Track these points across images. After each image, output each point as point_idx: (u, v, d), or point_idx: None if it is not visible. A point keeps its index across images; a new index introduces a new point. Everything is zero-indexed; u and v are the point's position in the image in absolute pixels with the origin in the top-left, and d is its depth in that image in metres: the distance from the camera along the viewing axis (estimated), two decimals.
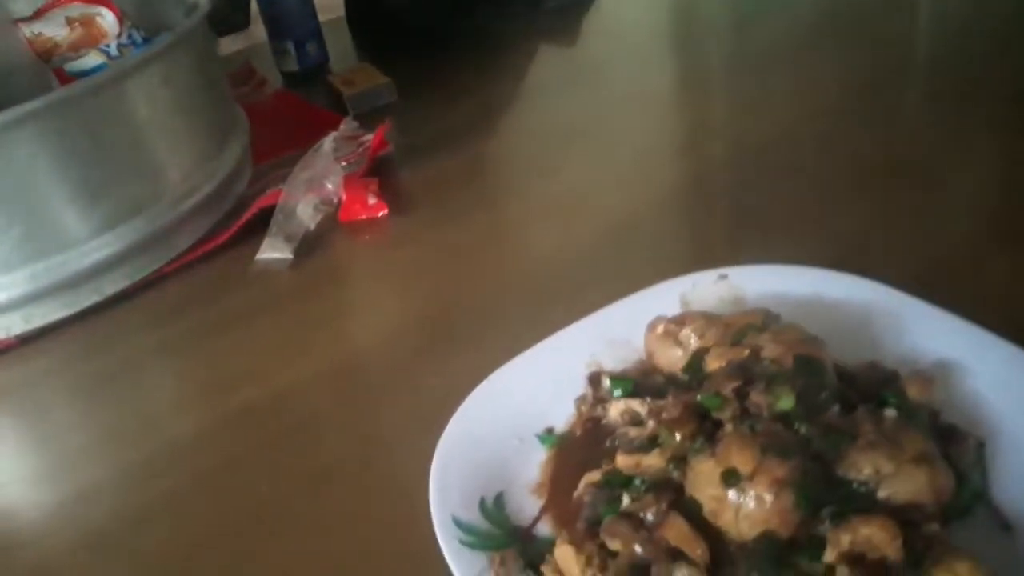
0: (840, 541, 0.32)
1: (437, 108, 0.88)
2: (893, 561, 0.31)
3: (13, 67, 0.76)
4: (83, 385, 0.58)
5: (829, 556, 0.32)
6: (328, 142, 0.73)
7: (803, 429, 0.34)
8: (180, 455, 0.49)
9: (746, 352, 0.37)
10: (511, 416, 0.44)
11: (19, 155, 0.56)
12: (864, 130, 0.71)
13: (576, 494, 0.38)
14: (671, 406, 0.36)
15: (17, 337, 0.61)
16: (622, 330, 0.47)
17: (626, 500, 0.36)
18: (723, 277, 0.50)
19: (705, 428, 0.35)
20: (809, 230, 0.59)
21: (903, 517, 0.33)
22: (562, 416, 0.44)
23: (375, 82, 0.89)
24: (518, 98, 0.90)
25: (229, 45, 1.07)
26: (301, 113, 0.90)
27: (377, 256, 0.66)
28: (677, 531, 0.33)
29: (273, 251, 0.66)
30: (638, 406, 0.40)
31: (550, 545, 0.36)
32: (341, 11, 1.15)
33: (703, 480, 0.34)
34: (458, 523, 0.38)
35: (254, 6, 0.99)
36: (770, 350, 0.37)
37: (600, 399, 0.43)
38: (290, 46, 0.96)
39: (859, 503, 0.33)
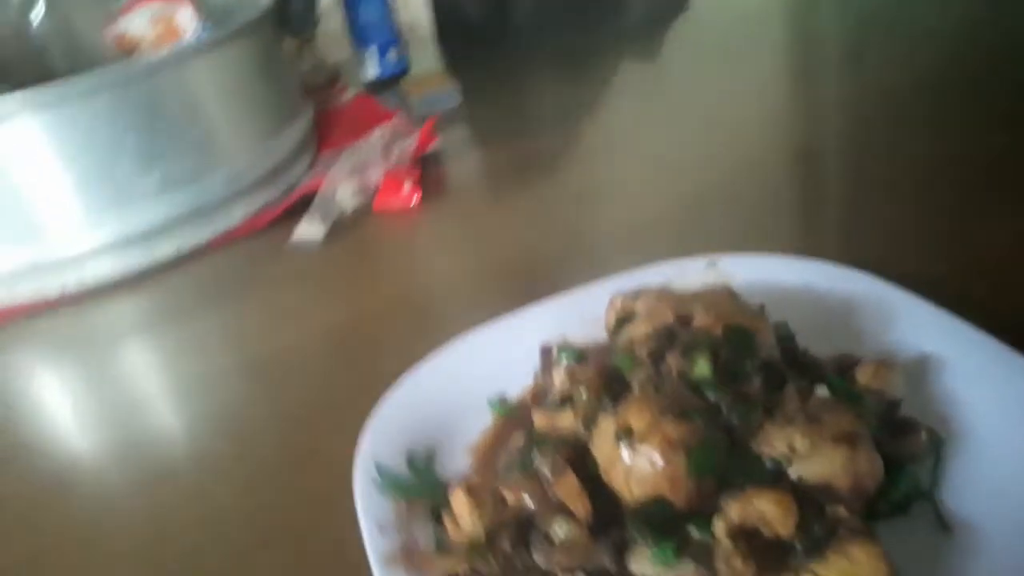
0: (730, 513, 0.30)
1: (500, 112, 0.89)
2: (786, 540, 0.29)
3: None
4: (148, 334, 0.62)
5: (718, 528, 0.30)
6: (377, 133, 0.77)
7: (714, 397, 0.32)
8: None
9: (671, 317, 0.35)
10: (470, 381, 0.44)
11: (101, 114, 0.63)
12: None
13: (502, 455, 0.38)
14: (587, 367, 0.35)
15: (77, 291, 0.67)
16: (597, 309, 0.46)
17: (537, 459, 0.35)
18: (712, 264, 0.48)
19: (615, 389, 0.33)
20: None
21: (814, 499, 0.30)
22: (521, 388, 0.44)
23: (440, 86, 0.92)
24: (584, 108, 0.90)
25: (329, 55, 1.13)
26: (372, 112, 0.94)
27: (402, 241, 0.68)
28: (567, 487, 0.32)
29: (308, 229, 0.69)
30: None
31: None
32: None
33: (602, 438, 0.32)
34: (380, 469, 0.38)
35: (334, 20, 1.05)
36: (701, 319, 0.35)
37: (550, 369, 0.42)
38: (372, 53, 1.02)
39: (766, 479, 0.31)
